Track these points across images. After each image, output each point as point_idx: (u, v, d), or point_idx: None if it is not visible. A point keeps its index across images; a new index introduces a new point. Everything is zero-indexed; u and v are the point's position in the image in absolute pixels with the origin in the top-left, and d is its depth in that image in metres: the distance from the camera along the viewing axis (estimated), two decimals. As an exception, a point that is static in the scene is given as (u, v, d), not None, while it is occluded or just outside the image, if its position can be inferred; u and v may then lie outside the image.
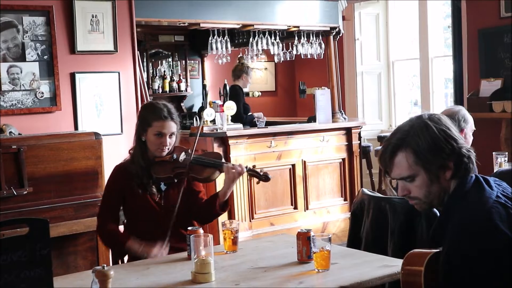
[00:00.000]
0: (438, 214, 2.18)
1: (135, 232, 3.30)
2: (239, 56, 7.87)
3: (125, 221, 3.47)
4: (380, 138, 8.20)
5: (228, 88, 6.51)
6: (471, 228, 1.93)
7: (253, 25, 6.49)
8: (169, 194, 3.35)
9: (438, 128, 2.06)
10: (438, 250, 2.01)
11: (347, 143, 6.67)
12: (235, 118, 6.35)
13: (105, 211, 3.39)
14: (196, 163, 3.35)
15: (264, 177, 3.37)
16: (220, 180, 3.58)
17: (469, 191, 2.04)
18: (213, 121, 6.00)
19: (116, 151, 4.89)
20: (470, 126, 3.65)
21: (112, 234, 3.33)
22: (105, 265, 2.39)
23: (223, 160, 3.42)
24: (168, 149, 3.34)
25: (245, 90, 7.59)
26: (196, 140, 3.37)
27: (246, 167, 3.34)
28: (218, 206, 3.31)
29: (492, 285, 1.89)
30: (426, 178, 2.06)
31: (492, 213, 1.94)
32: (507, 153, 4.35)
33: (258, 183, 3.44)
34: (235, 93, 6.98)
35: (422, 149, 2.04)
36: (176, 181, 3.34)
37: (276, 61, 7.69)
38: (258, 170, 3.38)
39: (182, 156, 3.35)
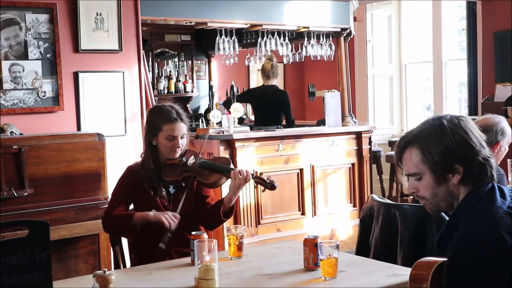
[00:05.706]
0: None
1: (141, 233, 3.26)
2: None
3: None
4: (391, 143, 8.11)
5: (235, 89, 6.43)
6: (476, 238, 1.90)
7: (261, 25, 6.43)
8: (178, 198, 3.32)
9: (453, 131, 2.02)
10: (446, 259, 1.99)
11: (357, 147, 6.58)
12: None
13: (114, 205, 3.32)
14: (203, 167, 3.33)
15: (270, 185, 3.31)
16: (225, 186, 3.51)
17: (480, 200, 2.01)
18: (220, 123, 5.93)
19: (119, 153, 4.85)
20: (507, 139, 3.55)
21: (120, 214, 3.27)
22: (106, 270, 2.43)
23: (231, 166, 3.37)
24: (180, 150, 3.34)
25: None
26: (204, 144, 3.36)
27: (252, 175, 3.31)
28: (222, 212, 3.27)
29: None
30: (432, 179, 2.05)
31: (499, 224, 1.91)
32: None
33: (263, 191, 3.40)
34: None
35: (430, 149, 2.03)
36: (184, 184, 3.31)
37: (285, 63, 7.63)
38: (265, 178, 3.35)
39: (191, 160, 3.35)
